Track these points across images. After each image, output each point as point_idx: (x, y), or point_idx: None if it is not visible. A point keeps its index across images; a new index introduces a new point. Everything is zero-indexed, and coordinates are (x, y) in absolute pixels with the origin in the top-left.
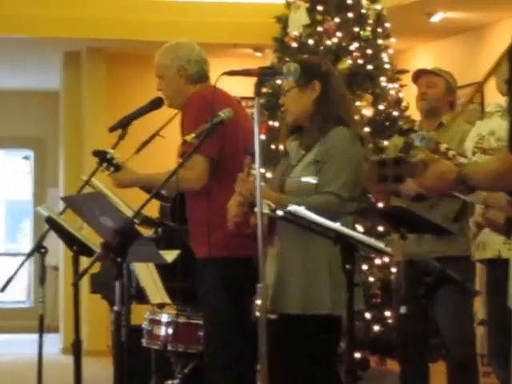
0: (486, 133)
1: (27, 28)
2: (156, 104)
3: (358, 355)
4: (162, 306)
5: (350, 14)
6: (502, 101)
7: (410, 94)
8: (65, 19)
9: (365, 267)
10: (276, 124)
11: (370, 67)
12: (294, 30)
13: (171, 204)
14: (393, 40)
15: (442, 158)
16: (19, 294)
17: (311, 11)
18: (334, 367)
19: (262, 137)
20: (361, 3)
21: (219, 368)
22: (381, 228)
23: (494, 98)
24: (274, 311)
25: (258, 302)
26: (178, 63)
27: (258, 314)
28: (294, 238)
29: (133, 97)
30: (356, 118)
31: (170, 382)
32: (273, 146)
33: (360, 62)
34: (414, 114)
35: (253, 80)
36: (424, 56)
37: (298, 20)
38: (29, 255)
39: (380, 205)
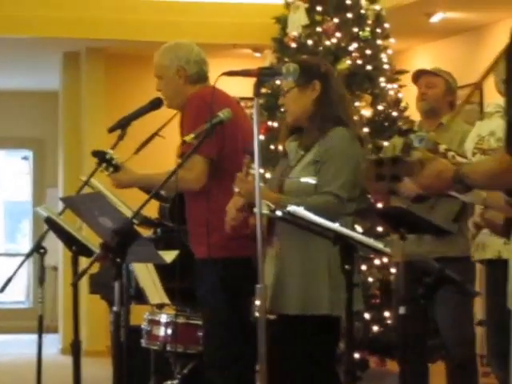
0: (486, 133)
1: (26, 28)
2: (155, 104)
3: (357, 356)
4: (161, 306)
5: (349, 15)
6: (502, 101)
7: (409, 94)
8: (64, 19)
9: (364, 268)
10: (275, 124)
11: (369, 67)
12: (293, 31)
13: (170, 204)
14: (392, 40)
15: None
16: (18, 294)
17: (310, 12)
18: (333, 368)
19: (261, 137)
20: (360, 3)
21: (218, 368)
22: (380, 228)
23: (493, 97)
24: (273, 312)
25: (257, 302)
26: (177, 63)
27: (257, 314)
28: (293, 239)
29: (132, 97)
30: (355, 118)
31: (169, 382)
32: (272, 147)
33: (359, 62)
34: (413, 114)
35: (252, 80)
36: (423, 56)
37: (297, 20)
38: (28, 255)
39: (379, 205)
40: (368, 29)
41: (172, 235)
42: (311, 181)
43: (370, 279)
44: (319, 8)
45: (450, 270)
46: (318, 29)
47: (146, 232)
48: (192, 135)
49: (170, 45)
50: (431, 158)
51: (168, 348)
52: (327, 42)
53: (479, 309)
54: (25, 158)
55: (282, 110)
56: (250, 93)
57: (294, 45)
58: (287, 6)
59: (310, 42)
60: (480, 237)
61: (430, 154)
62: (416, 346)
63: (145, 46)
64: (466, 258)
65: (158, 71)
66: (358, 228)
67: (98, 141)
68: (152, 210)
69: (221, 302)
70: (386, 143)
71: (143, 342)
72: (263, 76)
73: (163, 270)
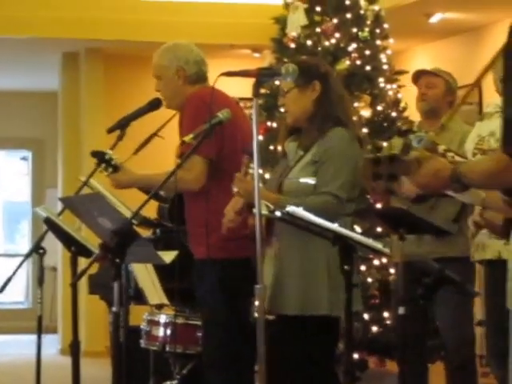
0: (486, 134)
1: (25, 28)
2: (154, 105)
3: (356, 356)
4: (160, 306)
5: (348, 15)
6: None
7: (408, 94)
8: (63, 20)
9: (363, 268)
10: (274, 125)
11: (368, 68)
12: (292, 31)
13: (169, 205)
14: (391, 41)
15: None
16: (17, 294)
17: (309, 12)
18: (333, 368)
19: (261, 137)
20: (359, 4)
21: (217, 368)
22: (379, 229)
23: (492, 97)
24: (272, 312)
25: (256, 302)
26: (176, 64)
27: (256, 314)
28: (292, 239)
29: (131, 97)
30: (354, 118)
31: (168, 382)
32: (271, 147)
33: (358, 62)
34: (413, 114)
35: (251, 81)
36: (422, 57)
37: (297, 21)
38: (27, 256)
39: (378, 206)
40: (367, 29)
41: (171, 236)
42: (310, 181)
43: (370, 279)
44: (318, 8)
45: (450, 271)
46: (317, 29)
47: (146, 232)
48: (191, 135)
49: (169, 45)
50: (428, 157)
51: (167, 348)
52: (326, 43)
53: (479, 309)
54: (24, 159)
55: (281, 110)
56: (249, 93)
57: (293, 45)
58: (286, 6)
59: (309, 42)
60: (480, 237)
61: (427, 152)
62: (415, 346)
63: (144, 47)
64: (465, 259)
65: (157, 71)
66: (358, 228)
67: (98, 141)
68: (151, 210)
69: (220, 303)
70: (385, 144)
71: (142, 343)
72: (262, 76)
73: (162, 271)
